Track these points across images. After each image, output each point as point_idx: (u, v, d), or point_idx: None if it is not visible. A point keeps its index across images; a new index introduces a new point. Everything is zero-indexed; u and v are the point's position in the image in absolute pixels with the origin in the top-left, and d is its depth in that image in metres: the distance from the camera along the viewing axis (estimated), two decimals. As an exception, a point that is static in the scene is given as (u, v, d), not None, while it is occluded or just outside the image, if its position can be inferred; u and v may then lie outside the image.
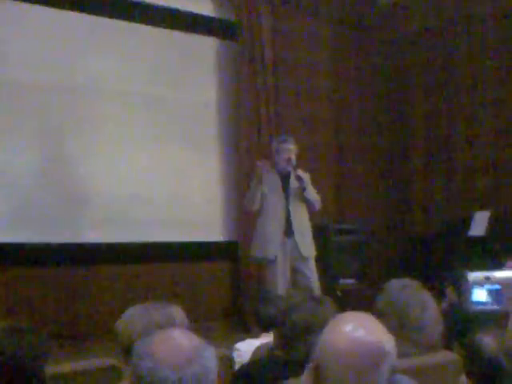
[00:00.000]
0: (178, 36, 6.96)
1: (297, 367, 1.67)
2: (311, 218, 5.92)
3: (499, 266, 4.78)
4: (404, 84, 8.28)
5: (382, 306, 2.60)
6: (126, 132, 6.54)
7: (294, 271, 5.74)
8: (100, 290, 6.21)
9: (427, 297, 2.62)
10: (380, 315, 2.54)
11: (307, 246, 5.77)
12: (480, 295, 3.16)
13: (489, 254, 6.29)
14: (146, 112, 6.72)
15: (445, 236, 7.25)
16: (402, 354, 2.44)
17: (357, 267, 7.30)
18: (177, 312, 2.29)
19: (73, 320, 6.02)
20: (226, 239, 7.20)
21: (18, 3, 5.96)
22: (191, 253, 6.88)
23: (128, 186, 6.46)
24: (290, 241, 5.69)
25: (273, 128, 7.32)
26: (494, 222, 6.86)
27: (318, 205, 5.82)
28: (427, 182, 8.05)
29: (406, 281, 2.68)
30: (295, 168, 5.69)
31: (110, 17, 6.52)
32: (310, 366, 1.64)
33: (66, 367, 2.71)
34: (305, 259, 5.72)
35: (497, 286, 3.16)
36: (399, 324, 2.51)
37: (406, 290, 2.61)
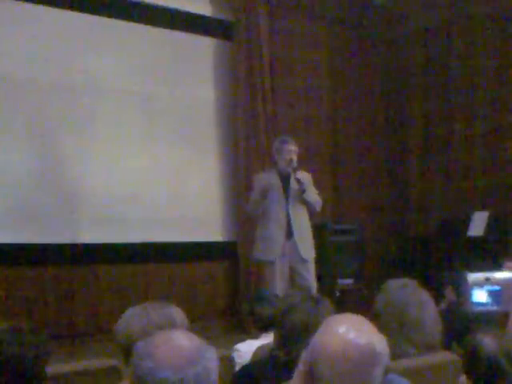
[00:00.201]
0: (175, 36, 6.96)
1: (297, 368, 1.67)
2: (310, 219, 5.91)
3: (497, 266, 4.79)
4: (402, 84, 8.29)
5: (381, 306, 2.60)
6: (124, 132, 6.53)
7: (293, 272, 5.73)
8: (99, 290, 6.21)
9: (426, 297, 2.63)
10: (379, 315, 2.55)
11: (307, 248, 5.74)
12: (480, 296, 3.17)
13: (487, 254, 6.30)
14: (144, 111, 6.72)
15: (443, 236, 7.25)
16: (401, 354, 2.45)
17: (355, 267, 7.31)
18: (176, 312, 2.29)
19: (72, 320, 6.02)
20: (225, 239, 7.20)
21: (17, 2, 5.96)
22: (190, 253, 6.88)
23: (126, 186, 6.46)
24: (290, 242, 5.67)
25: (270, 128, 7.32)
26: (492, 223, 6.87)
27: (318, 206, 5.79)
28: (426, 182, 8.06)
29: (405, 281, 2.68)
30: (295, 170, 5.65)
31: (108, 16, 6.52)
32: (299, 367, 1.64)
33: (66, 367, 2.71)
34: (304, 261, 5.69)
35: (496, 287, 3.17)
36: (398, 324, 2.52)
37: (404, 290, 2.61)
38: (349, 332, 1.57)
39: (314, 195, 5.76)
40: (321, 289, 5.83)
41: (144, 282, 6.46)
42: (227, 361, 2.91)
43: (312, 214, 5.87)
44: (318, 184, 6.07)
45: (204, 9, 7.18)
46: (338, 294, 6.97)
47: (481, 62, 7.55)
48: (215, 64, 7.28)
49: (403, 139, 8.27)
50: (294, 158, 5.67)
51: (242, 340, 3.49)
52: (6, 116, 5.89)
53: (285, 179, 5.73)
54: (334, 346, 1.56)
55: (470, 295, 3.15)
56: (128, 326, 2.22)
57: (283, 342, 2.40)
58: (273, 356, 2.43)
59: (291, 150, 5.68)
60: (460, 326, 3.65)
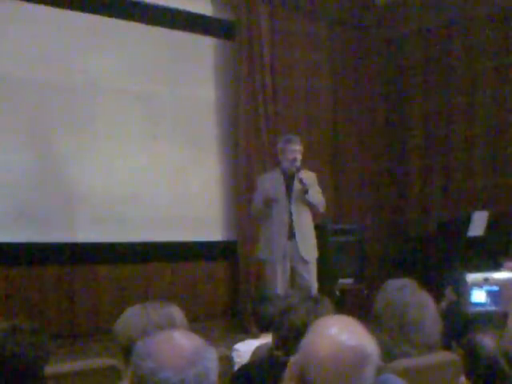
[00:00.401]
0: (176, 35, 6.96)
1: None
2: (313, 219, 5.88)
3: (497, 266, 4.79)
4: (402, 84, 8.28)
5: (381, 306, 2.60)
6: (125, 131, 6.54)
7: (293, 272, 5.71)
8: (99, 290, 6.22)
9: (426, 297, 2.63)
10: (378, 315, 2.55)
11: (308, 249, 5.71)
12: (479, 296, 3.17)
13: (487, 254, 6.29)
14: (144, 111, 6.72)
15: (443, 236, 7.25)
16: (400, 355, 2.45)
17: (355, 267, 7.30)
18: (176, 312, 2.29)
19: (72, 320, 6.02)
20: (225, 239, 7.20)
21: (16, 2, 5.96)
22: (190, 252, 6.89)
23: (126, 185, 6.47)
24: (291, 243, 5.64)
25: (271, 128, 7.32)
26: (492, 223, 6.86)
27: (321, 207, 5.75)
28: (426, 182, 8.05)
29: (405, 281, 2.68)
30: (299, 169, 5.61)
31: (109, 16, 6.52)
32: (289, 369, 1.64)
33: (65, 367, 2.72)
34: (305, 262, 5.67)
35: (495, 288, 3.17)
36: (398, 324, 2.52)
37: (404, 290, 2.61)
38: (339, 334, 1.57)
39: (317, 195, 5.72)
40: (321, 289, 5.82)
41: (144, 281, 6.47)
42: (226, 360, 2.91)
43: (315, 214, 5.84)
44: (318, 184, 6.06)
45: (205, 8, 7.18)
46: (337, 293, 6.97)
47: (481, 62, 7.55)
48: (216, 64, 7.28)
49: (403, 139, 8.26)
50: (298, 157, 5.62)
51: (242, 340, 3.50)
52: (6, 116, 5.89)
53: (288, 179, 5.69)
54: (324, 348, 1.55)
55: (468, 295, 3.15)
56: (127, 326, 2.22)
57: (282, 342, 2.40)
58: (271, 356, 2.43)
59: (295, 150, 5.63)
60: (460, 326, 3.66)
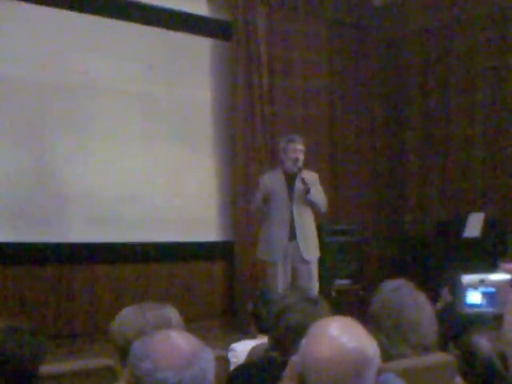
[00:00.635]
0: (173, 36, 6.96)
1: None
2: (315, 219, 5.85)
3: (494, 267, 4.80)
4: (401, 84, 8.28)
5: (377, 307, 2.61)
6: (122, 131, 6.54)
7: (295, 272, 5.69)
8: (96, 290, 6.21)
9: (422, 298, 2.63)
10: (375, 316, 2.55)
11: (310, 249, 5.69)
12: (474, 298, 3.18)
13: (483, 255, 6.30)
14: (142, 111, 6.72)
15: (440, 237, 7.26)
16: (397, 355, 2.46)
17: (352, 268, 7.31)
18: (172, 312, 2.29)
19: (70, 320, 6.02)
20: (222, 239, 7.20)
21: (16, 2, 5.95)
22: (187, 252, 6.89)
23: (124, 185, 6.47)
24: (293, 243, 5.62)
25: (268, 128, 7.32)
26: (488, 224, 6.87)
27: (323, 206, 5.73)
28: (422, 182, 8.06)
29: (401, 282, 2.69)
30: (301, 169, 5.59)
31: (106, 16, 6.51)
32: (289, 370, 1.63)
33: (62, 367, 2.71)
34: (306, 262, 5.65)
35: (491, 289, 3.18)
36: (394, 325, 2.52)
37: (400, 291, 2.61)
38: (339, 336, 1.56)
39: (319, 195, 5.71)
40: (318, 289, 5.82)
41: (142, 281, 6.47)
42: (222, 360, 2.91)
43: (317, 214, 5.82)
44: (320, 184, 6.03)
45: (202, 9, 7.18)
46: (334, 294, 6.97)
47: (480, 62, 7.55)
48: (213, 64, 7.28)
49: (402, 140, 8.26)
50: (301, 157, 5.61)
51: (239, 340, 3.49)
52: (3, 115, 5.88)
53: (290, 179, 5.67)
54: (324, 349, 1.54)
55: (464, 297, 3.16)
56: (123, 326, 2.22)
57: (278, 342, 2.40)
58: (268, 356, 2.43)
59: (297, 149, 5.62)
60: (456, 327, 3.66)
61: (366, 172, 8.21)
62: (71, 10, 6.27)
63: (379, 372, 1.58)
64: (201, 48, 7.20)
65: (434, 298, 4.32)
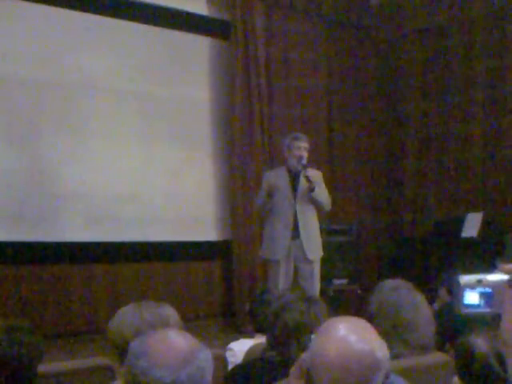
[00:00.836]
0: (171, 35, 6.95)
1: (290, 368, 1.67)
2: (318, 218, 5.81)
3: (491, 267, 4.80)
4: (400, 84, 8.28)
5: (375, 306, 2.61)
6: (120, 131, 6.54)
7: (297, 272, 5.66)
8: (94, 290, 6.21)
9: (419, 298, 2.63)
10: (372, 316, 2.55)
11: (313, 248, 5.64)
12: (472, 298, 3.18)
13: (481, 255, 6.30)
14: (140, 111, 6.72)
15: (437, 237, 7.26)
16: (394, 355, 2.46)
17: (350, 268, 7.32)
18: (169, 312, 2.29)
19: (68, 319, 6.02)
20: (220, 238, 7.20)
21: (12, 0, 5.94)
22: (184, 252, 6.89)
23: (122, 185, 6.47)
24: (296, 242, 5.58)
25: (266, 128, 7.32)
26: (486, 224, 6.87)
27: (327, 205, 5.70)
28: (420, 182, 8.06)
29: (399, 282, 2.69)
30: (305, 167, 5.55)
31: (104, 15, 6.51)
32: (297, 367, 1.63)
33: (60, 366, 2.71)
34: (309, 262, 5.60)
35: (489, 290, 3.18)
36: (391, 325, 2.52)
37: (398, 291, 2.61)
38: (349, 337, 1.54)
39: (323, 194, 5.67)
40: (319, 289, 5.79)
41: (140, 280, 6.47)
42: (220, 360, 2.91)
43: (321, 213, 5.79)
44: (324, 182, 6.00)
45: (201, 8, 7.17)
46: (331, 293, 6.98)
47: (479, 62, 7.55)
48: (212, 63, 7.28)
49: (400, 139, 8.26)
50: (305, 155, 5.58)
51: (237, 339, 3.49)
52: (2, 115, 5.88)
53: (294, 177, 5.64)
54: (332, 349, 1.53)
55: (462, 297, 3.16)
56: (121, 325, 2.22)
57: (275, 341, 2.40)
58: (265, 356, 2.43)
59: (302, 147, 5.59)
60: (454, 327, 3.66)
61: (365, 172, 8.21)
62: (69, 9, 6.25)
63: (387, 375, 1.56)
64: (199, 47, 7.20)
65: (431, 298, 4.33)
